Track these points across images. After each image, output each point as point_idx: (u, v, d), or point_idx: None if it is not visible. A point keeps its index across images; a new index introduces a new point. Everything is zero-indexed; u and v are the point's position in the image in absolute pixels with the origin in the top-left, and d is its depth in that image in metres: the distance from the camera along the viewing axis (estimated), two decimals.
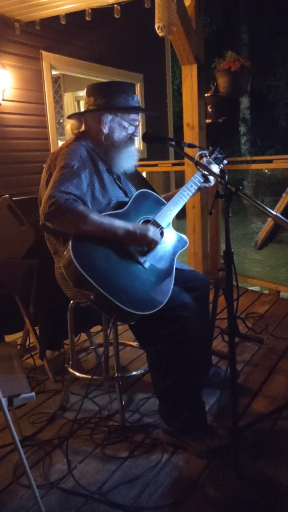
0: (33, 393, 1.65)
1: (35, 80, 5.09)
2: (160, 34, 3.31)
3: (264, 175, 12.58)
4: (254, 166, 5.42)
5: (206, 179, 2.25)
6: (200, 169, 1.97)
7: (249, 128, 15.39)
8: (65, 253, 1.92)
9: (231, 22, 14.49)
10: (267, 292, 4.25)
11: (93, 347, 3.05)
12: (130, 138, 2.15)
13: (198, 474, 1.90)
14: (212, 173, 1.90)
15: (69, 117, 2.20)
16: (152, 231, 2.02)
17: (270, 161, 4.37)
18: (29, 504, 1.78)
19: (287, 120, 15.90)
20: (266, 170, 11.54)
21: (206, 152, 2.31)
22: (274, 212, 1.58)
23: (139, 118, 2.17)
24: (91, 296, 1.88)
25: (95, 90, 2.11)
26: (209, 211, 3.95)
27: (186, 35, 3.84)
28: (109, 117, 2.09)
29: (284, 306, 3.86)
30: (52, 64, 5.28)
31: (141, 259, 2.01)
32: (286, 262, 7.99)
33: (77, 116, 2.19)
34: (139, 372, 2.48)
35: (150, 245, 2.03)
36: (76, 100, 7.79)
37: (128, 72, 6.33)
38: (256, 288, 4.52)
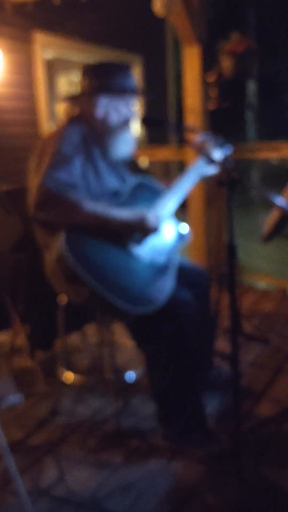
0: (20, 395, 1.65)
1: (26, 64, 5.07)
2: (159, 13, 3.29)
3: (271, 165, 12.55)
4: (260, 155, 5.40)
5: (209, 166, 2.24)
6: (202, 155, 1.96)
7: (256, 115, 15.35)
8: (56, 245, 1.91)
9: (237, 3, 14.41)
10: (273, 289, 4.26)
11: (86, 347, 3.06)
12: (127, 123, 2.14)
13: (198, 481, 1.91)
14: (215, 159, 1.90)
15: (63, 100, 2.19)
16: (151, 214, 1.98)
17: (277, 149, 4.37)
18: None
19: None
20: (273, 160, 11.51)
21: (209, 137, 2.29)
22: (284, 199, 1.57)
23: (136, 102, 2.17)
24: (85, 293, 1.88)
25: (89, 72, 2.10)
26: (210, 201, 3.95)
27: (188, 14, 3.81)
28: (105, 100, 2.08)
29: None
30: (45, 46, 5.26)
31: (140, 253, 2.01)
32: None
33: (70, 99, 2.19)
34: (135, 373, 2.49)
35: (150, 229, 1.98)
36: (70, 84, 7.75)
37: (127, 54, 6.30)
38: (262, 285, 4.52)
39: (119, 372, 2.77)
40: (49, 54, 5.60)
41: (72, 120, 2.12)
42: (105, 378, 2.58)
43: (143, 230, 1.99)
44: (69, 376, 2.37)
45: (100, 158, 2.09)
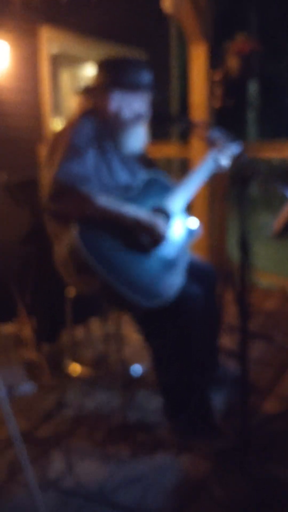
0: (31, 384, 1.64)
1: (32, 57, 5.05)
2: (168, 11, 3.28)
3: (272, 165, 12.54)
4: (263, 155, 5.39)
5: (220, 162, 2.22)
6: (213, 151, 1.95)
7: (257, 114, 15.33)
8: (69, 236, 1.90)
9: (240, 5, 14.37)
10: (275, 287, 4.25)
11: (92, 340, 3.05)
12: (139, 118, 2.13)
13: (204, 476, 1.89)
14: (227, 155, 1.89)
15: (76, 93, 2.18)
16: (162, 224, 1.99)
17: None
18: (26, 504, 1.77)
19: None
20: (274, 160, 11.49)
21: (219, 133, 2.27)
22: None
23: (150, 97, 2.15)
24: (95, 284, 1.87)
25: (104, 66, 2.09)
26: (213, 198, 3.96)
27: (195, 13, 3.81)
28: (118, 95, 2.07)
29: None
30: (51, 41, 5.23)
31: (150, 248, 1.99)
32: None
33: (85, 92, 2.17)
34: (142, 367, 2.48)
35: (158, 238, 2.00)
36: (76, 78, 7.72)
37: (131, 49, 6.27)
38: (265, 283, 4.51)
39: (126, 365, 2.76)
40: (55, 49, 5.58)
41: (86, 113, 2.10)
42: (111, 371, 2.57)
43: (152, 234, 1.99)
44: (75, 369, 2.35)
45: (112, 152, 2.08)
